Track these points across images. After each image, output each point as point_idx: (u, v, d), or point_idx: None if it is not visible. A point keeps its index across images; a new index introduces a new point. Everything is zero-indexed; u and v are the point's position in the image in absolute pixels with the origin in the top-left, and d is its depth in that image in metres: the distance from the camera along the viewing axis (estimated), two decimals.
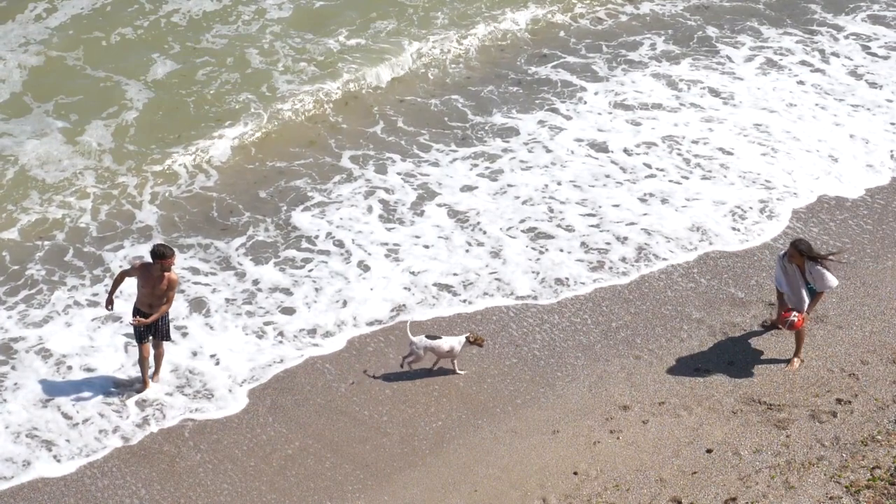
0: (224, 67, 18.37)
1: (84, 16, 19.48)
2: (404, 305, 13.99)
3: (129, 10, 19.61)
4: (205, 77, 18.21)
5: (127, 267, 12.67)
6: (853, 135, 17.14)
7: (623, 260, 14.67)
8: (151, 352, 12.65)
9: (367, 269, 14.71)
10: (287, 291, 14.32)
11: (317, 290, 14.35)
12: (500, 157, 16.94)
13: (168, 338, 12.70)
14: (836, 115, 17.69)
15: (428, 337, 12.86)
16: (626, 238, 15.07)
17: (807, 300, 12.58)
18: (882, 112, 17.72)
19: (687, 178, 16.36)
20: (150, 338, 12.52)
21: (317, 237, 15.30)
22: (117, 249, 15.03)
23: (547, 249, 14.98)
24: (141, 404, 12.58)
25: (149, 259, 12.38)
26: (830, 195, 15.79)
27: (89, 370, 13.09)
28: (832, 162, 16.51)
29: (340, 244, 15.19)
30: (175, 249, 12.52)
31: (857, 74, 18.78)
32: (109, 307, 12.70)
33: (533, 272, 14.52)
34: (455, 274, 14.55)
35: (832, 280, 12.57)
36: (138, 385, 12.80)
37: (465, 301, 14.05)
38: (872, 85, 18.47)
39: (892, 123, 17.45)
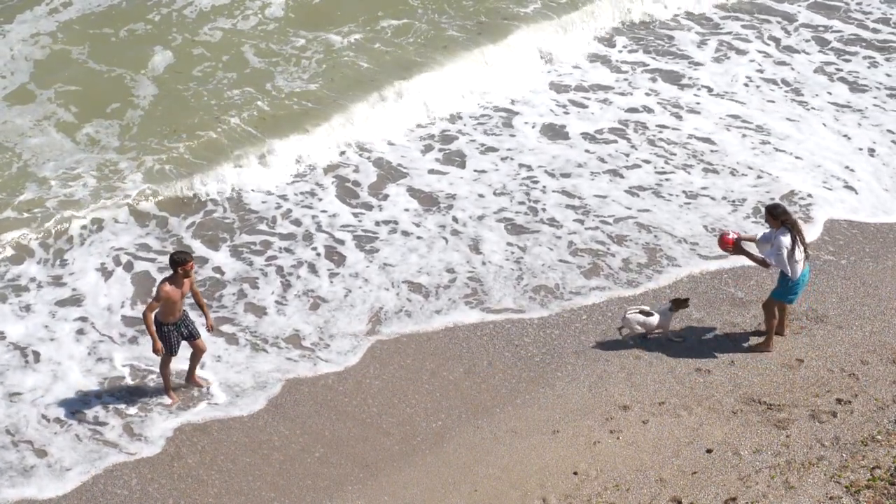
0: (223, 64, 18.39)
1: (95, 10, 19.52)
2: (384, 310, 13.88)
3: (147, 2, 19.80)
4: (201, 73, 18.24)
5: (150, 301, 12.18)
6: (862, 147, 16.88)
7: (626, 266, 14.55)
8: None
9: (337, 261, 14.69)
10: (253, 283, 14.32)
11: (285, 284, 14.32)
12: (456, 137, 16.92)
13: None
14: (820, 115, 17.63)
15: (642, 313, 13.04)
16: (625, 237, 15.03)
17: (773, 262, 12.48)
18: (876, 117, 17.61)
19: (682, 169, 16.29)
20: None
21: (274, 219, 15.33)
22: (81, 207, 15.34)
23: (527, 245, 14.86)
24: (138, 405, 12.61)
25: (159, 277, 12.24)
26: (858, 216, 15.44)
27: (56, 363, 13.17)
28: (848, 172, 16.27)
29: (298, 223, 15.30)
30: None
31: (827, 73, 18.73)
32: (162, 351, 12.31)
33: (516, 278, 14.36)
34: (428, 274, 14.47)
35: (781, 263, 12.31)
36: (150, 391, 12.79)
37: (439, 312, 13.85)
38: (853, 87, 18.37)
39: (890, 130, 17.36)
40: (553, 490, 11.30)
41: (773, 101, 18.03)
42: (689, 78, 18.60)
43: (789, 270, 12.36)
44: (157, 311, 12.12)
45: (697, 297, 13.92)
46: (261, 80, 18.11)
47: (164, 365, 12.50)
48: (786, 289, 12.60)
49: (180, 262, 11.99)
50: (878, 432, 11.61)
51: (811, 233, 14.81)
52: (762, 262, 12.61)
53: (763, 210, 12.73)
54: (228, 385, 12.85)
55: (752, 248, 12.84)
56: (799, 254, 12.37)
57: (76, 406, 12.58)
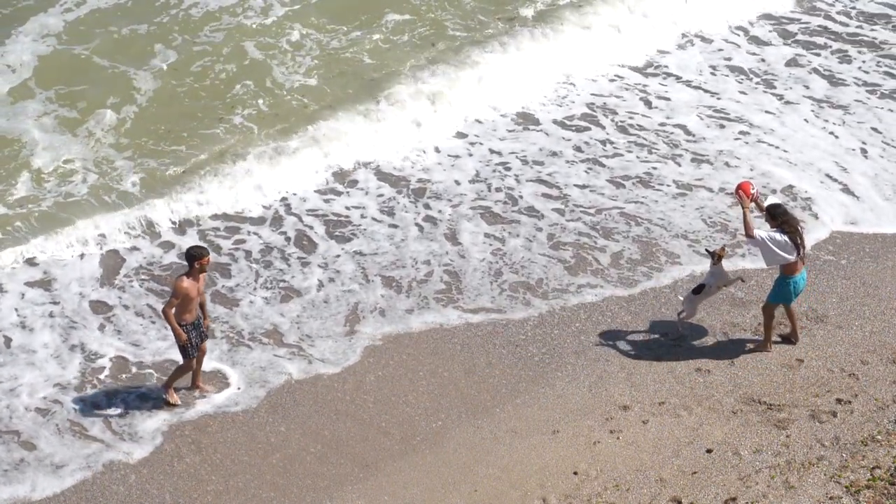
0: (229, 62, 18.43)
1: (105, 10, 19.54)
2: (362, 307, 13.86)
3: (155, 4, 19.83)
4: (200, 69, 18.30)
5: (169, 299, 12.03)
6: (854, 148, 16.74)
7: (617, 261, 14.47)
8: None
9: (308, 248, 14.72)
10: (224, 271, 14.40)
11: (256, 273, 14.35)
12: (421, 123, 17.00)
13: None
14: (798, 109, 17.52)
15: (694, 292, 12.95)
16: (612, 230, 14.95)
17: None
18: (860, 114, 17.49)
19: (670, 159, 16.19)
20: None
21: (244, 208, 15.47)
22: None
23: (506, 237, 14.82)
24: (128, 398, 12.60)
25: (173, 275, 12.13)
26: (862, 227, 15.17)
27: (31, 351, 13.24)
28: (846, 174, 16.12)
29: (268, 207, 15.51)
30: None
31: (800, 65, 18.66)
32: (186, 340, 12.13)
33: (495, 272, 14.31)
34: (405, 267, 14.49)
35: (765, 249, 12.26)
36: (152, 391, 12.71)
37: (417, 310, 13.78)
38: (830, 80, 18.27)
39: (874, 128, 17.22)
40: (553, 490, 11.29)
41: (745, 93, 17.98)
42: (655, 66, 18.60)
43: (767, 259, 12.36)
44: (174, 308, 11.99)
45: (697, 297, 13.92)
46: (260, 77, 18.11)
47: (184, 369, 12.33)
48: (780, 291, 12.57)
49: (197, 256, 11.90)
50: (878, 432, 11.61)
51: (816, 235, 14.79)
52: (748, 229, 12.29)
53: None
54: (224, 382, 12.84)
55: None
56: (793, 255, 12.31)
57: (60, 398, 12.61)
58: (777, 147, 16.71)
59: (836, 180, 16.03)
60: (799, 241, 12.33)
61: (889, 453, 11.29)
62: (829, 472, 11.16)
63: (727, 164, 16.29)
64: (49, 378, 12.86)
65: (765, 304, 12.80)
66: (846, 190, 15.84)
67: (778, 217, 12.36)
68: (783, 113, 17.53)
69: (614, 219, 15.25)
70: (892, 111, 17.52)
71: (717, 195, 15.59)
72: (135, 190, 15.74)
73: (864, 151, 16.68)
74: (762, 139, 16.88)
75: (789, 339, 12.98)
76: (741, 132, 17.01)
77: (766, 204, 12.79)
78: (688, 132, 17.06)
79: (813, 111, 17.58)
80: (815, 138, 16.95)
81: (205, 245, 12.09)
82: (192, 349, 12.18)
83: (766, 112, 17.53)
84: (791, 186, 15.83)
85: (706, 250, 13.18)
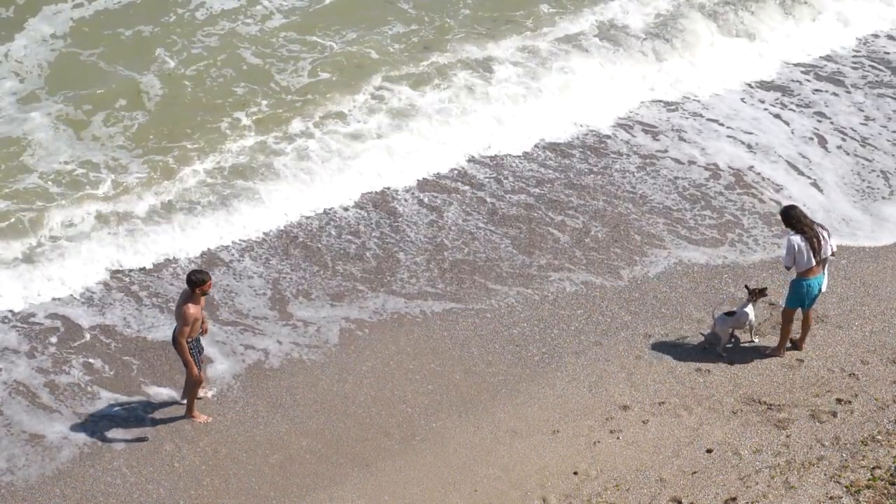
0: (219, 66, 18.43)
1: (110, 8, 19.53)
2: (282, 296, 13.89)
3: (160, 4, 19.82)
4: (196, 73, 18.29)
5: (181, 328, 11.96)
6: (811, 136, 16.55)
7: (579, 241, 14.44)
8: None
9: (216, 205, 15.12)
10: (145, 234, 14.65)
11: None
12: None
13: None
14: (728, 85, 17.41)
15: (727, 314, 12.77)
16: (577, 207, 14.78)
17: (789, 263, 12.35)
18: (803, 96, 17.26)
19: (621, 128, 16.07)
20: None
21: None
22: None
23: (445, 209, 14.81)
24: (134, 402, 12.61)
25: (181, 295, 12.21)
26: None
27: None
28: (810, 170, 16.00)
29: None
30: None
31: (709, 30, 18.56)
32: (197, 375, 12.13)
33: (432, 247, 14.15)
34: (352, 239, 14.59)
35: (785, 259, 12.28)
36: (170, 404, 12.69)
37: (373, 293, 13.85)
38: (763, 56, 18.18)
39: (821, 113, 16.97)
40: (553, 490, 11.29)
41: (664, 60, 17.76)
42: (533, 24, 18.47)
43: (788, 263, 12.30)
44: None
45: (697, 297, 13.92)
46: (258, 81, 18.11)
47: (196, 385, 12.29)
48: (794, 294, 12.49)
49: (199, 282, 11.85)
50: (878, 432, 11.61)
51: None
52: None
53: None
54: (233, 381, 12.85)
55: None
56: (809, 259, 12.24)
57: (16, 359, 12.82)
58: (723, 125, 16.44)
59: (802, 173, 15.89)
60: (815, 244, 12.26)
61: (889, 453, 11.30)
62: (829, 472, 11.17)
63: (680, 136, 16.00)
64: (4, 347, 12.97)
65: (783, 308, 12.70)
66: (815, 185, 15.75)
67: (789, 220, 12.27)
68: (716, 90, 17.17)
69: (563, 191, 15.08)
70: (836, 95, 17.31)
71: (687, 167, 15.31)
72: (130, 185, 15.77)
73: (822, 140, 16.44)
74: (700, 113, 16.59)
75: (796, 345, 12.92)
76: (673, 103, 16.70)
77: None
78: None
79: (745, 91, 17.33)
80: (759, 120, 16.65)
81: (204, 270, 12.12)
82: (198, 364, 12.15)
83: (698, 87, 17.29)
84: (752, 167, 15.61)
85: (746, 287, 13.00)
